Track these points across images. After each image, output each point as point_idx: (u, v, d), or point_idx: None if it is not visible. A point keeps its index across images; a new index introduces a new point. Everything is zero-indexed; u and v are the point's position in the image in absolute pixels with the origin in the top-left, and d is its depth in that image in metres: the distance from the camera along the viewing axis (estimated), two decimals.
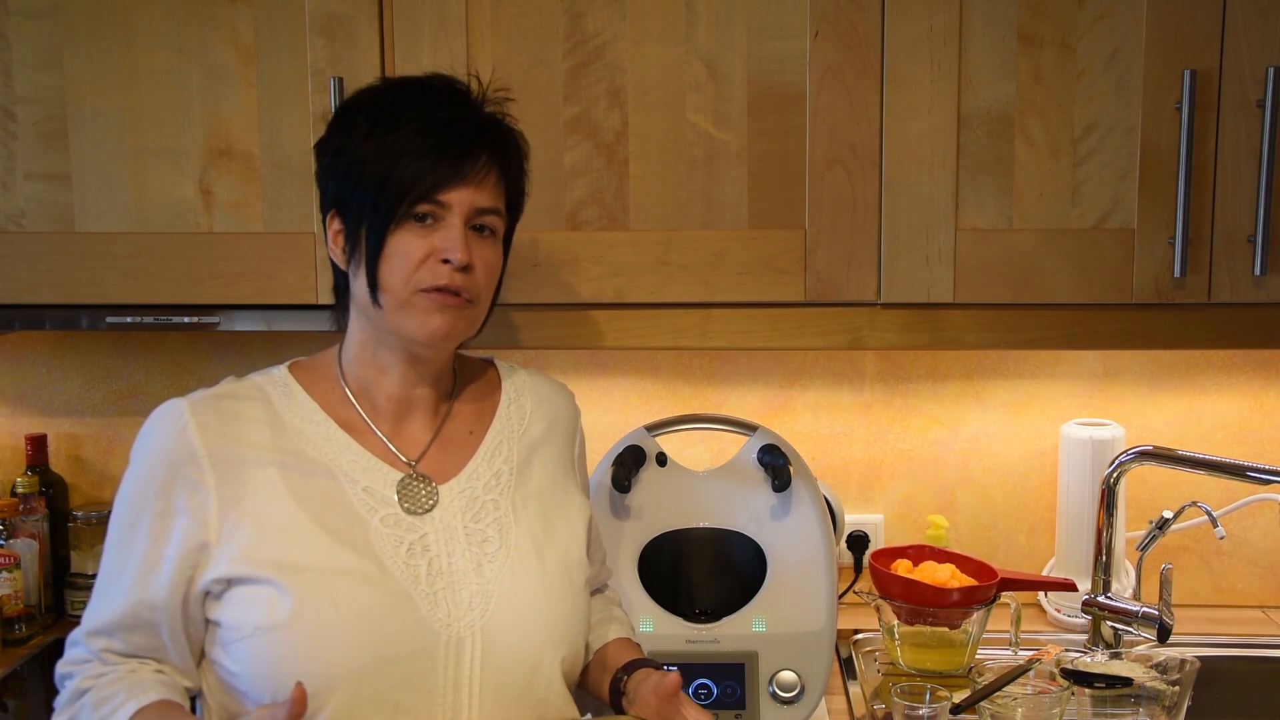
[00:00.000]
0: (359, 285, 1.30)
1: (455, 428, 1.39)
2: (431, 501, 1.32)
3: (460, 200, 1.27)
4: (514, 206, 1.37)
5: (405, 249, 1.26)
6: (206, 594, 1.26)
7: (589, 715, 1.44)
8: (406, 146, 1.26)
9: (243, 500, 1.25)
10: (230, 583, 1.25)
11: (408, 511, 1.30)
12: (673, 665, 1.48)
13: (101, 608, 1.29)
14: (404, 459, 1.34)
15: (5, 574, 1.90)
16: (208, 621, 1.28)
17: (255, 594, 1.24)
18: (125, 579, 1.27)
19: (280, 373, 1.36)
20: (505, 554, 1.32)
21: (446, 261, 1.27)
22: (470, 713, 1.27)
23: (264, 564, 1.24)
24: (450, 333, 1.29)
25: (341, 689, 1.22)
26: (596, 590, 1.54)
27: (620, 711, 1.37)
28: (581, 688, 1.42)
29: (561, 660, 1.32)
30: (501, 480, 1.37)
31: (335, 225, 1.31)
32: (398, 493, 1.31)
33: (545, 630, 1.31)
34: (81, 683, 1.28)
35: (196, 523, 1.25)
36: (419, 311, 1.28)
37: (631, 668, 1.39)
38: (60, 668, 1.31)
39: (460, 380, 1.42)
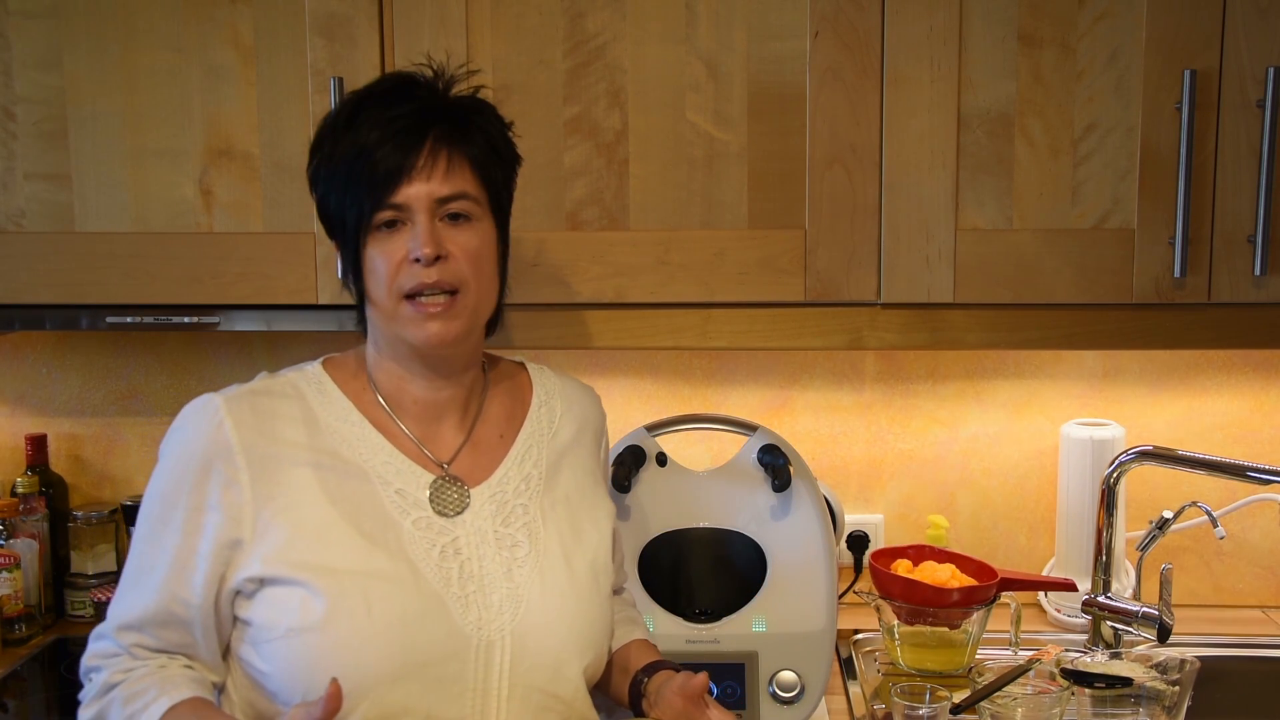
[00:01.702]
0: (355, 296, 1.32)
1: (486, 430, 1.39)
2: (463, 504, 1.32)
3: (417, 196, 1.26)
4: (494, 181, 1.33)
5: (378, 260, 1.27)
6: (237, 592, 1.26)
7: (603, 716, 1.43)
8: (352, 162, 1.26)
9: (276, 498, 1.25)
10: (263, 582, 1.25)
11: (439, 514, 1.30)
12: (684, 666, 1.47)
13: (133, 602, 1.28)
14: (435, 461, 1.34)
15: (5, 574, 1.90)
16: (236, 619, 1.28)
17: (288, 595, 1.23)
18: (157, 574, 1.26)
19: (315, 369, 1.36)
20: (535, 558, 1.32)
21: (416, 261, 1.26)
22: (498, 716, 1.27)
23: (297, 565, 1.23)
24: (447, 334, 1.28)
25: (373, 693, 1.22)
26: (615, 592, 1.54)
27: (639, 713, 1.37)
28: (597, 687, 1.42)
29: (587, 665, 1.33)
30: (531, 484, 1.37)
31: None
32: (430, 495, 1.31)
33: (573, 635, 1.31)
34: (111, 676, 1.27)
35: (229, 519, 1.25)
36: (409, 321, 1.27)
37: (651, 669, 1.39)
38: (87, 660, 1.31)
39: (491, 382, 1.42)
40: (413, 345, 1.30)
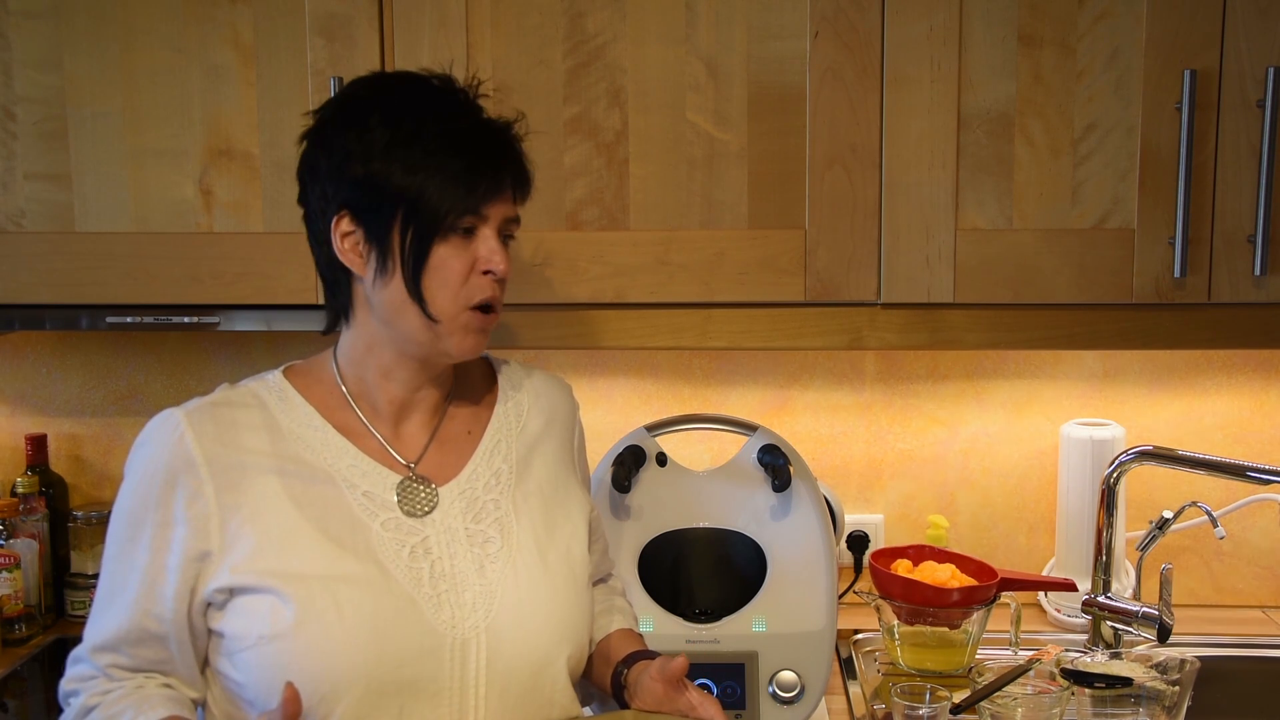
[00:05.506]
0: (388, 294, 1.27)
1: (453, 428, 1.38)
2: (431, 504, 1.32)
3: (496, 212, 1.28)
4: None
5: (450, 263, 1.26)
6: (209, 605, 1.26)
7: (594, 707, 1.44)
8: (443, 162, 1.24)
9: (242, 508, 1.25)
10: (233, 592, 1.24)
11: (408, 514, 1.30)
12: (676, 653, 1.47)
13: (106, 622, 1.27)
14: (402, 461, 1.33)
15: (5, 574, 1.91)
16: (210, 632, 1.27)
17: (258, 603, 1.23)
18: (129, 593, 1.25)
19: (275, 378, 1.35)
20: (507, 554, 1.32)
21: (487, 273, 1.28)
22: (476, 714, 1.26)
23: (266, 573, 1.23)
24: (481, 348, 1.32)
25: (348, 695, 1.21)
26: (599, 581, 1.54)
27: (622, 704, 1.37)
28: (584, 678, 1.42)
29: (567, 658, 1.32)
30: (501, 479, 1.37)
31: (346, 228, 1.27)
32: (397, 496, 1.30)
33: (550, 629, 1.31)
34: (88, 700, 1.26)
35: (196, 531, 1.24)
36: (460, 328, 1.28)
37: (631, 660, 1.39)
38: (64, 685, 1.30)
39: (457, 379, 1.42)
40: (444, 352, 1.30)
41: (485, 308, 1.29)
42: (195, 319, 1.71)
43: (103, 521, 2.01)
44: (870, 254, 1.64)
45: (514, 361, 1.50)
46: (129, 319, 1.71)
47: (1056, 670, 1.57)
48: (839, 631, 1.74)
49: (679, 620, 1.66)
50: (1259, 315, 1.64)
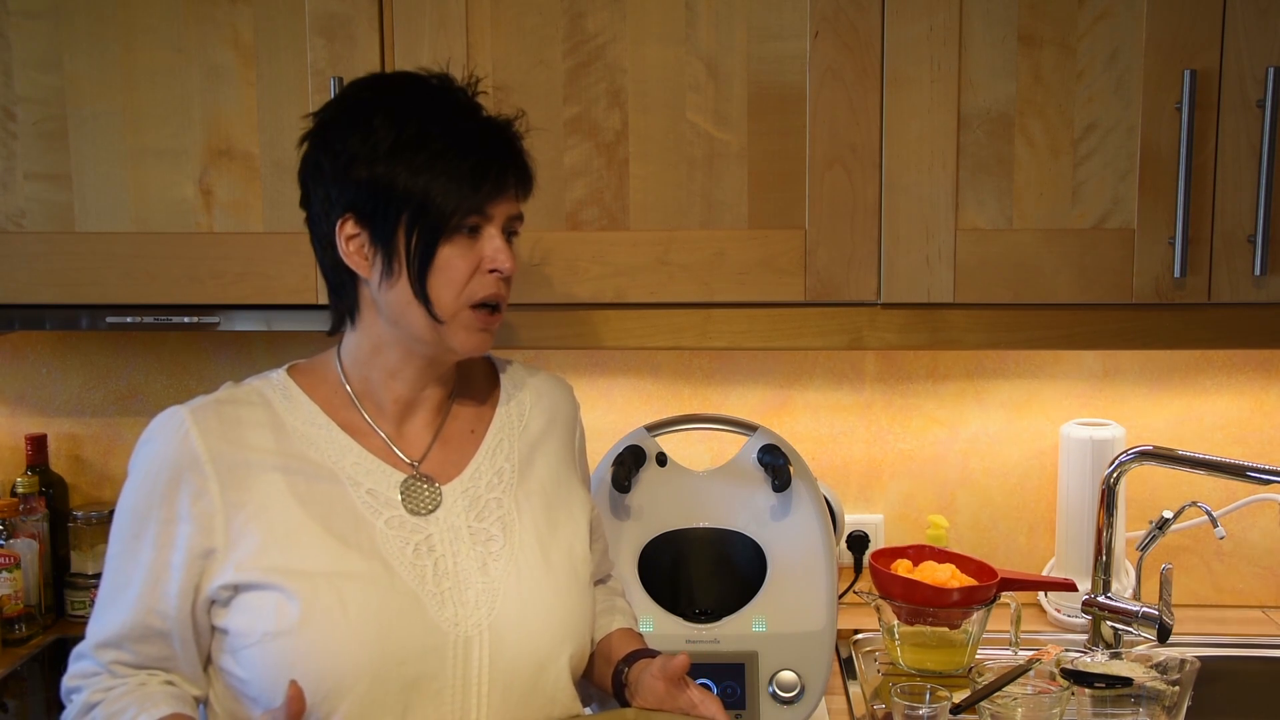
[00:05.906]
0: (394, 295, 1.27)
1: (456, 427, 1.39)
2: (435, 502, 1.32)
3: (501, 211, 1.29)
4: None
5: (456, 262, 1.27)
6: (213, 602, 1.26)
7: (593, 706, 1.44)
8: (448, 163, 1.25)
9: (247, 505, 1.25)
10: (237, 589, 1.24)
11: (411, 512, 1.30)
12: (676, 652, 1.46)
13: (110, 619, 1.27)
14: (406, 460, 1.34)
15: (5, 574, 1.91)
16: (214, 629, 1.27)
17: (262, 600, 1.23)
18: (133, 589, 1.26)
19: (279, 376, 1.35)
20: (510, 552, 1.32)
21: (493, 271, 1.28)
22: (479, 712, 1.27)
23: (270, 570, 1.23)
24: (486, 346, 1.32)
25: (352, 692, 1.22)
26: (599, 581, 1.54)
27: (624, 702, 1.37)
28: (585, 678, 1.42)
29: (569, 657, 1.32)
30: (504, 478, 1.37)
31: (351, 230, 1.27)
32: (401, 494, 1.31)
33: (552, 627, 1.31)
34: (91, 696, 1.26)
35: (201, 529, 1.24)
36: (462, 327, 1.29)
37: (632, 659, 1.39)
38: (67, 681, 1.30)
39: (459, 378, 1.42)
40: (450, 350, 1.31)
41: (490, 306, 1.30)
42: (195, 319, 1.71)
43: (103, 521, 2.01)
44: (870, 254, 1.64)
45: (517, 362, 1.50)
46: (129, 319, 1.72)
47: (1056, 670, 1.57)
48: (839, 631, 1.74)
49: (679, 620, 1.66)
50: (1259, 315, 1.64)
